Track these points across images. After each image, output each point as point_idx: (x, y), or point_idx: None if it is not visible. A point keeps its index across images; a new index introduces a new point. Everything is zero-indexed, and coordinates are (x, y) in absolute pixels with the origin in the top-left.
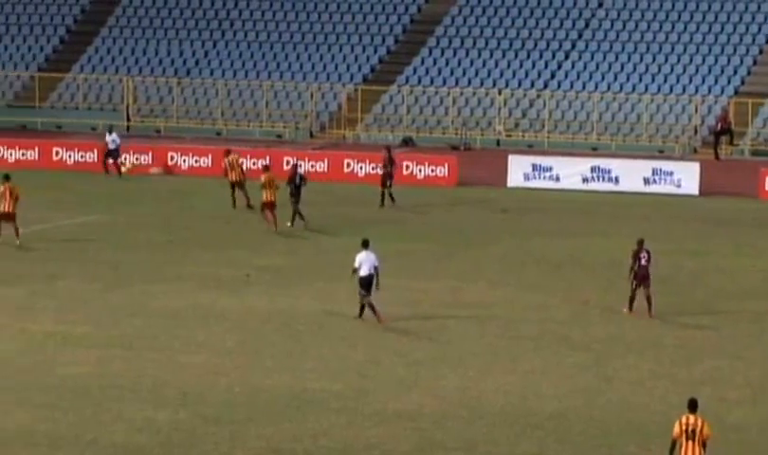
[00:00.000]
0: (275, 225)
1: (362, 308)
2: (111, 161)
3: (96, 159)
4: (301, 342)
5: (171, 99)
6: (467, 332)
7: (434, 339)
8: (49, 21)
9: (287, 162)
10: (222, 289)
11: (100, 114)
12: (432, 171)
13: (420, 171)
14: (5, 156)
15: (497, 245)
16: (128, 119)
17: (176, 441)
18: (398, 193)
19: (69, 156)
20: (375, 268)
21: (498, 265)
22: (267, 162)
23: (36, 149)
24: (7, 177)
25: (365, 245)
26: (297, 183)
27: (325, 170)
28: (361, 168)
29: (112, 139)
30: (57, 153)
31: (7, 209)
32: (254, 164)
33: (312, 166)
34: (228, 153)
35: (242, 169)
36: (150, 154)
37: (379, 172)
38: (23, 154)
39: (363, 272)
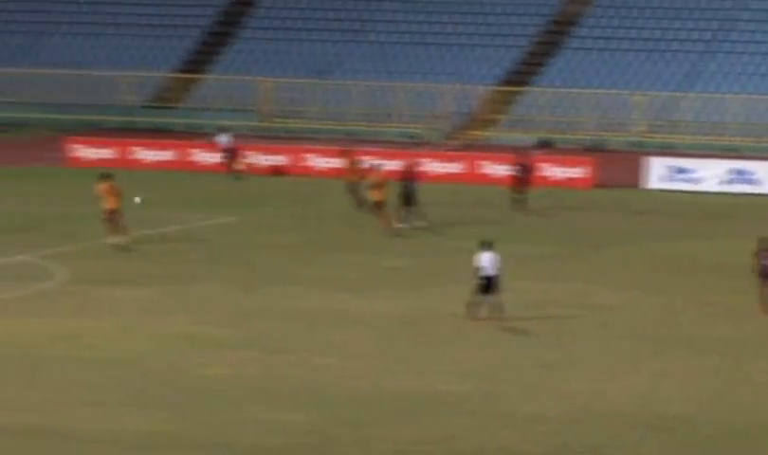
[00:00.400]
0: (387, 224)
1: (481, 309)
2: (226, 161)
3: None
4: (431, 344)
5: (307, 100)
6: (593, 334)
7: (561, 342)
8: (187, 22)
9: (423, 164)
10: (353, 291)
11: (236, 115)
12: (569, 172)
13: (557, 173)
14: (141, 157)
15: (627, 247)
16: (264, 121)
17: (309, 443)
18: (534, 195)
19: (205, 158)
20: (498, 269)
21: (626, 268)
22: (378, 162)
23: (172, 150)
24: (106, 176)
25: (486, 245)
26: (409, 183)
27: (460, 171)
28: (496, 170)
29: (225, 140)
30: (193, 154)
31: (113, 206)
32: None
33: (445, 167)
34: (346, 153)
35: (359, 169)
36: (284, 156)
37: (515, 174)
38: (159, 155)
39: (486, 272)
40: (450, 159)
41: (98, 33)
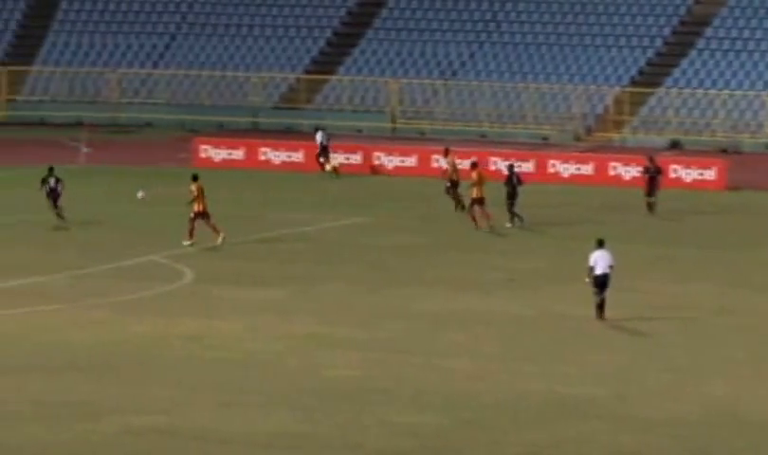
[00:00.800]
0: (486, 221)
1: (599, 308)
2: (322, 160)
3: (361, 161)
4: (561, 346)
5: (436, 101)
6: (729, 338)
7: (694, 345)
8: (316, 23)
9: (553, 165)
10: (478, 292)
11: (364, 116)
12: (700, 174)
13: (688, 174)
14: (270, 158)
15: (763, 250)
16: (393, 122)
17: (437, 446)
18: (665, 197)
19: (335, 158)
20: (610, 267)
21: (763, 271)
22: (476, 160)
23: (302, 151)
24: (196, 177)
25: (600, 244)
26: (514, 184)
27: (591, 173)
28: (627, 172)
29: (320, 138)
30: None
31: (201, 209)
32: (520, 166)
33: (578, 169)
34: (447, 153)
35: (457, 169)
36: (414, 157)
37: (645, 176)
38: (288, 156)
39: (598, 271)
40: (580, 161)
41: (231, 35)
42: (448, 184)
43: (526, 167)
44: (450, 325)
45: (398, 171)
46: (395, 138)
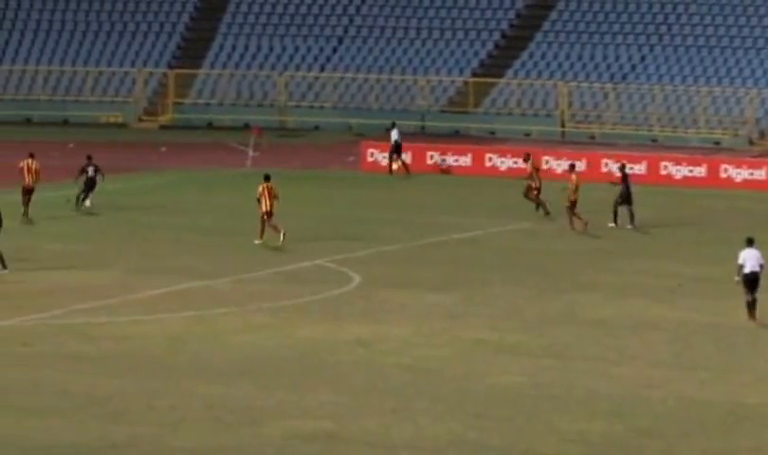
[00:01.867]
0: (582, 224)
1: (750, 307)
2: (395, 157)
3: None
4: (734, 354)
5: (606, 104)
6: None
7: None
8: (484, 26)
9: (725, 170)
10: (650, 298)
11: (533, 120)
12: None
13: None
14: (436, 161)
15: None
16: (562, 125)
17: (608, 454)
18: None
19: (502, 163)
20: (761, 266)
21: None
22: (573, 163)
23: (469, 154)
24: (267, 178)
25: (750, 242)
26: (628, 185)
27: (764, 178)
28: None
29: (396, 135)
30: (490, 159)
31: (266, 208)
32: (690, 172)
33: (750, 174)
34: (528, 157)
35: (538, 173)
36: (583, 161)
37: None
38: (456, 160)
39: (747, 269)
40: (753, 166)
41: (399, 38)
42: (531, 188)
43: (698, 171)
44: (621, 331)
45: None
46: (564, 143)
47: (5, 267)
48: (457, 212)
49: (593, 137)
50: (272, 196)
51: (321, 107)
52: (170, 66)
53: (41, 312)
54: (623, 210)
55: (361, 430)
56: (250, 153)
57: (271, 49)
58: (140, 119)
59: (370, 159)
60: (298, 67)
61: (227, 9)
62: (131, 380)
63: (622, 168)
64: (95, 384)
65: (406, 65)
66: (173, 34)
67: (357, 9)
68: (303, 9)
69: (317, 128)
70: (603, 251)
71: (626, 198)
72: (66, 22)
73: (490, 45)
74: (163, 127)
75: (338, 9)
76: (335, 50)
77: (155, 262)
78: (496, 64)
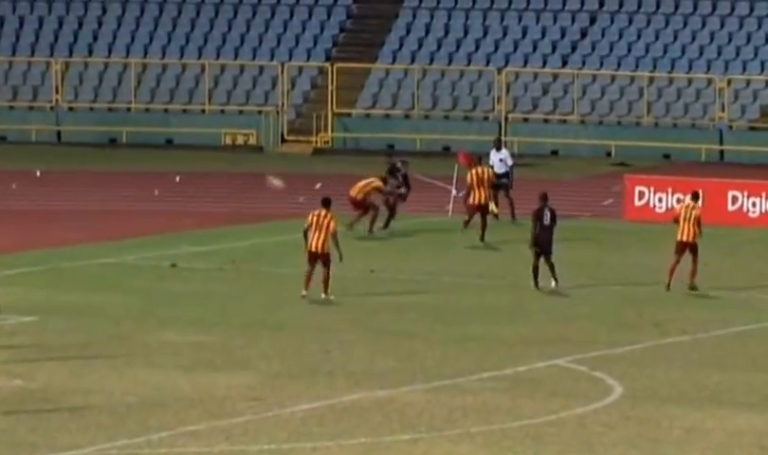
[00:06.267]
0: None
1: None
2: None
3: None
4: None
5: None
6: None
7: None
8: None
9: None
10: None
11: None
12: None
13: None
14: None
15: None
16: None
17: None
18: None
19: None
20: None
21: None
22: None
23: None
24: (325, 203)
25: None
26: None
27: None
28: None
29: None
30: None
31: (314, 246)
32: None
33: None
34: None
35: None
36: None
37: None
38: None
39: None
40: None
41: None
42: None
43: None
44: None
45: None
46: None
47: None
48: None
49: None
50: (325, 229)
51: (564, 121)
52: (329, 58)
53: (133, 435)
54: None
55: None
56: (453, 192)
57: (485, 33)
58: (283, 140)
59: (638, 203)
60: (525, 61)
61: None
62: None
63: None
64: None
65: (696, 58)
66: (334, 9)
67: None
68: None
69: (554, 153)
70: None
71: None
72: None
73: None
74: (318, 151)
75: None
76: (583, 34)
77: (305, 358)
78: None
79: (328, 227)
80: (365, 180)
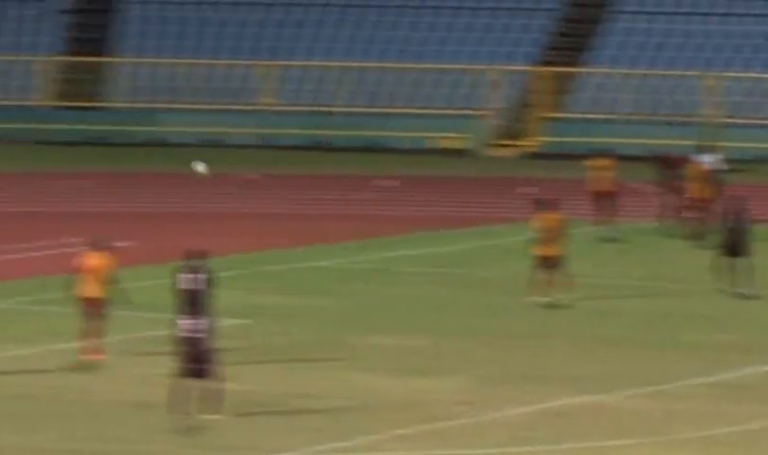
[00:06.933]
0: None
1: None
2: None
3: None
4: None
5: None
6: None
7: None
8: None
9: None
10: None
11: None
12: None
13: None
14: None
15: None
16: None
17: None
18: None
19: None
20: None
21: None
22: None
23: None
24: (547, 205)
25: None
26: None
27: None
28: None
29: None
30: None
31: (545, 251)
32: None
33: None
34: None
35: None
36: None
37: None
38: None
39: None
40: None
41: None
42: None
43: None
44: None
45: None
46: None
47: None
48: None
49: None
50: (556, 234)
51: None
52: (540, 62)
53: (344, 438)
54: None
55: None
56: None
57: (689, 34)
58: (491, 144)
59: None
60: (729, 62)
61: None
62: None
63: None
64: None
65: None
66: (549, 12)
67: None
68: None
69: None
70: None
71: None
72: None
73: None
74: (527, 156)
75: None
76: None
77: (516, 365)
78: None
79: (562, 231)
80: None
